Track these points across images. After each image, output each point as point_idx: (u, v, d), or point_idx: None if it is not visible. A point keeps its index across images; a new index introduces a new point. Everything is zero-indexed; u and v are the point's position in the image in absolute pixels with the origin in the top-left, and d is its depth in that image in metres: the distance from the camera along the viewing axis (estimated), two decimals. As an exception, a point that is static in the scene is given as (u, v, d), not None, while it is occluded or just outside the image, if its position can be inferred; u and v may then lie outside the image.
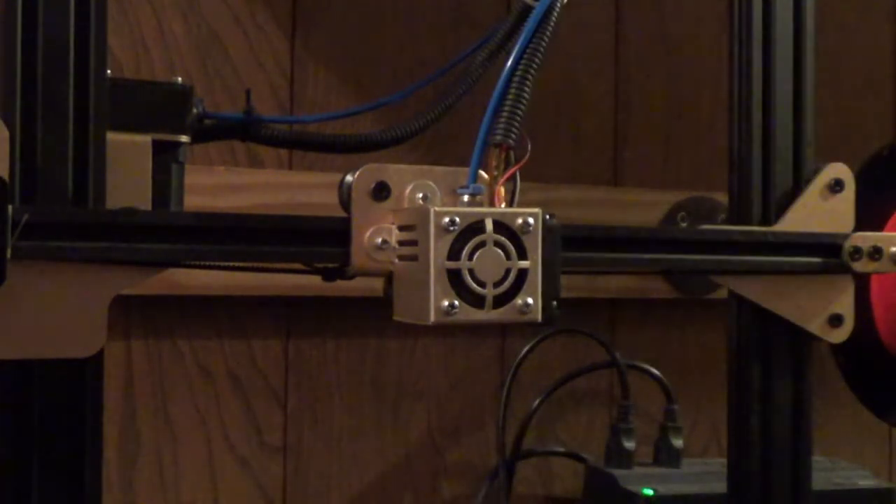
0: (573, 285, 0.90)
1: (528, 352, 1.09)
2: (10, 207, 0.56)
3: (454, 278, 0.60)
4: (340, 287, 0.71)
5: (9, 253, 0.55)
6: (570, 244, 0.66)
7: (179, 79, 0.71)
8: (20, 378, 0.59)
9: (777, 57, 0.77)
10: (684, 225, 1.15)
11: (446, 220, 0.59)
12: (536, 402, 1.08)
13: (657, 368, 1.08)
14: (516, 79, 0.63)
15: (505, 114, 0.62)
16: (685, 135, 1.22)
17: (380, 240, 0.63)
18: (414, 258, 0.61)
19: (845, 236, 0.75)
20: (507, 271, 0.60)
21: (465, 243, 0.60)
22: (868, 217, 0.80)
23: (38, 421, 0.59)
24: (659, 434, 1.08)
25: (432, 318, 0.59)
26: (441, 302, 0.59)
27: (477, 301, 0.60)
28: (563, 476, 1.16)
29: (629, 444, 1.05)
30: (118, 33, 0.97)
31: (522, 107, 0.63)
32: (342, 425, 1.07)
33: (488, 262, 0.60)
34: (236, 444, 1.03)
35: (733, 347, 0.77)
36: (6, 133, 0.58)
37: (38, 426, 0.59)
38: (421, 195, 0.65)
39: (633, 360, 1.09)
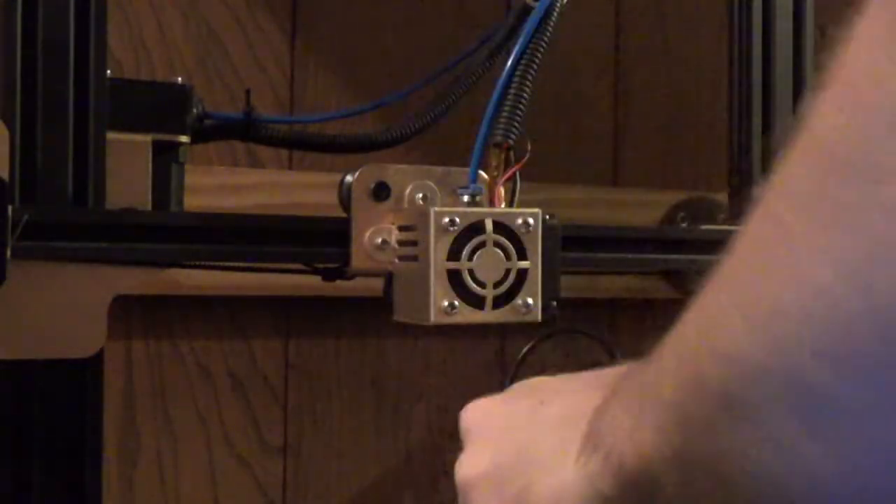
0: (573, 285, 0.90)
1: (528, 352, 1.08)
2: (10, 207, 0.56)
3: (454, 278, 0.60)
4: (340, 287, 0.71)
5: (9, 253, 0.55)
6: (570, 244, 0.66)
7: (179, 79, 0.71)
8: (20, 378, 0.59)
9: (777, 57, 0.77)
10: (684, 225, 1.15)
11: (446, 220, 0.59)
12: (536, 402, 1.07)
13: (657, 368, 1.08)
14: (516, 79, 0.63)
15: (505, 114, 0.62)
16: (685, 135, 1.22)
17: (380, 240, 0.64)
18: (414, 258, 0.61)
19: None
20: (507, 271, 0.61)
21: (465, 243, 0.60)
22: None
23: (38, 421, 0.59)
24: (659, 434, 1.07)
25: (432, 318, 0.59)
26: (441, 302, 0.59)
27: (477, 301, 0.60)
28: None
29: (629, 444, 1.05)
30: (118, 33, 0.97)
31: (522, 107, 0.63)
32: (342, 425, 1.07)
33: (488, 263, 0.60)
34: (236, 444, 1.03)
35: (733, 347, 0.77)
36: (6, 133, 0.58)
37: (38, 426, 0.59)
38: (421, 195, 0.65)
39: (634, 361, 1.09)
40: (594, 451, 0.39)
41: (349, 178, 0.65)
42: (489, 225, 0.60)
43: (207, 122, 0.72)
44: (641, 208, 1.15)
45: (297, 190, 1.00)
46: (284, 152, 1.03)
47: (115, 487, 0.99)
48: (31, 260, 0.57)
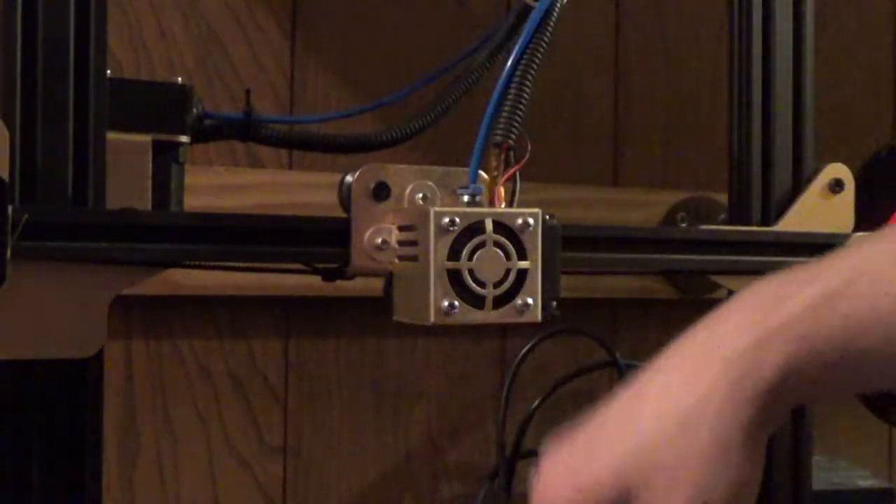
0: (573, 285, 0.90)
1: (528, 352, 1.08)
2: (10, 207, 0.56)
3: (454, 278, 0.60)
4: (340, 287, 0.71)
5: (9, 253, 0.55)
6: (570, 244, 0.66)
7: (179, 79, 0.71)
8: (20, 378, 0.59)
9: (777, 57, 0.77)
10: (684, 225, 1.15)
11: (446, 220, 0.59)
12: (536, 402, 1.07)
13: (657, 368, 1.08)
14: (516, 79, 0.63)
15: (505, 114, 0.62)
16: (685, 135, 1.22)
17: (380, 240, 0.63)
18: (414, 258, 0.61)
19: (845, 236, 0.75)
20: (507, 271, 0.60)
21: (465, 243, 0.60)
22: (868, 217, 0.80)
23: (38, 421, 0.59)
24: (659, 434, 1.07)
25: (432, 318, 0.59)
26: (441, 302, 0.59)
27: (477, 301, 0.60)
28: (563, 476, 1.16)
29: (629, 445, 1.05)
30: (118, 33, 0.97)
31: (522, 107, 0.63)
32: (342, 425, 1.07)
33: (488, 263, 0.60)
34: (236, 444, 1.03)
35: (733, 347, 0.77)
36: (6, 133, 0.58)
37: (38, 426, 0.59)
38: (421, 195, 0.65)
39: (634, 360, 1.09)
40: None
41: (349, 178, 0.65)
42: (489, 225, 0.60)
43: (207, 122, 0.72)
44: (641, 208, 1.16)
45: (297, 190, 1.00)
46: (284, 152, 1.03)
47: (115, 487, 0.99)
48: (31, 260, 0.57)
